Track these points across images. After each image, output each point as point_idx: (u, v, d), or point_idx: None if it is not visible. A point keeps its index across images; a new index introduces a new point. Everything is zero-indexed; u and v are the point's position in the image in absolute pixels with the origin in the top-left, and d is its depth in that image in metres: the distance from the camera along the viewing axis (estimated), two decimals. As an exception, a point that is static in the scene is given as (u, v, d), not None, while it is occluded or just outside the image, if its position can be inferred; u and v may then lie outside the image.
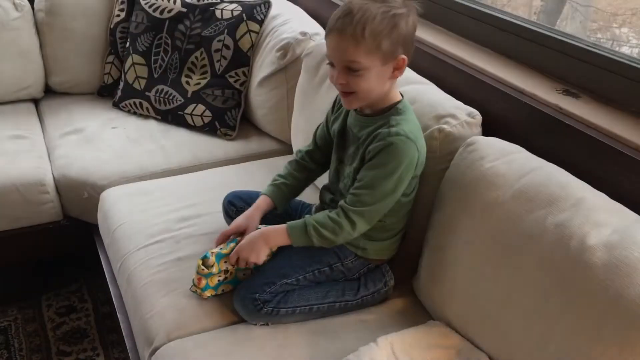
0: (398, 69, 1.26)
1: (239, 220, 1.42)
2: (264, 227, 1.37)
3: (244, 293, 1.33)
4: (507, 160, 1.28)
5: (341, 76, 1.25)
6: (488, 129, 1.46)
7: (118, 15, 2.40)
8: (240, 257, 1.34)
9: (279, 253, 1.40)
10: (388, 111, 1.31)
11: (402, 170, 1.27)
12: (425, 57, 1.74)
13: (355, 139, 1.36)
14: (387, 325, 1.37)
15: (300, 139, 1.90)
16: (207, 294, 1.39)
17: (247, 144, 2.17)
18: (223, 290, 1.41)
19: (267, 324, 1.34)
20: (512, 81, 1.51)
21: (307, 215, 1.34)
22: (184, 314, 1.40)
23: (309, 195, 1.60)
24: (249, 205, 1.50)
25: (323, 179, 1.55)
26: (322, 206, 1.48)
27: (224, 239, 1.42)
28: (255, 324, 1.35)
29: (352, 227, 1.29)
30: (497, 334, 1.18)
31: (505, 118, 1.48)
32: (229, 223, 1.52)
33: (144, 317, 1.42)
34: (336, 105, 1.47)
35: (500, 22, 1.65)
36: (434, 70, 1.69)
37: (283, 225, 1.33)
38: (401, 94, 1.36)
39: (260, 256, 1.34)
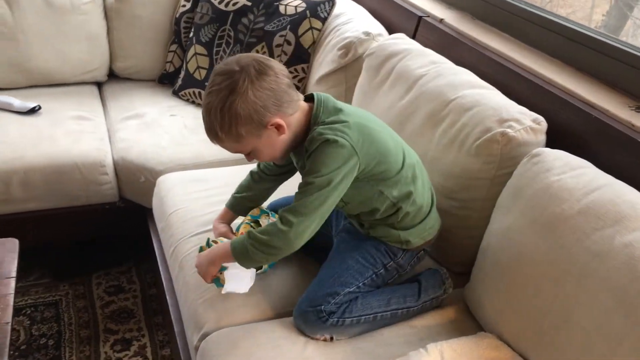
0: (280, 129, 1.24)
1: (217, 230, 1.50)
2: (212, 247, 1.38)
3: (305, 307, 1.32)
4: (574, 174, 1.24)
5: (247, 157, 1.32)
6: (552, 139, 1.43)
7: (184, 6, 2.44)
8: (201, 274, 1.36)
9: (331, 258, 1.40)
10: (308, 133, 1.29)
11: (335, 165, 1.21)
12: (490, 63, 1.72)
13: (300, 168, 1.37)
14: (435, 332, 1.36)
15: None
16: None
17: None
18: None
19: (332, 339, 1.32)
20: (581, 93, 1.47)
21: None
22: (234, 302, 1.41)
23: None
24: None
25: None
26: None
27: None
28: (318, 339, 1.32)
29: (288, 226, 1.22)
30: (554, 352, 1.15)
31: (572, 130, 1.44)
32: None
33: (195, 302, 1.44)
34: None
35: (570, 32, 1.61)
36: (498, 76, 1.66)
37: (227, 244, 1.31)
38: (313, 98, 1.30)
39: (208, 275, 1.34)
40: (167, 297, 1.69)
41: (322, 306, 1.31)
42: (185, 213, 1.72)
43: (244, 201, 1.53)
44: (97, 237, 2.15)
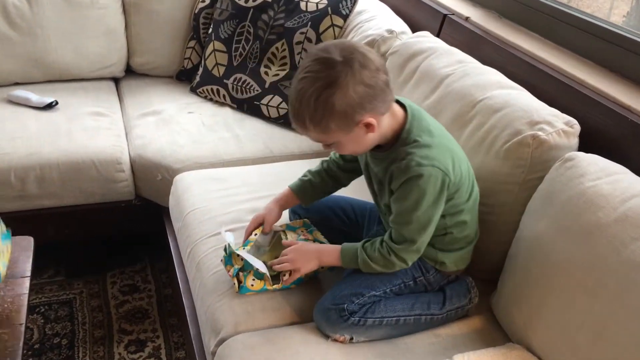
0: (370, 127, 1.19)
1: (258, 213, 1.46)
2: (321, 246, 1.38)
3: (328, 304, 1.29)
4: (610, 180, 1.19)
5: (324, 147, 1.27)
6: (584, 143, 1.37)
7: (203, 1, 2.40)
8: (288, 262, 1.33)
9: None
10: (396, 142, 1.25)
11: (431, 198, 1.21)
12: (518, 63, 1.66)
13: (375, 175, 1.33)
14: (460, 342, 1.32)
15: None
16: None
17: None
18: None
19: (352, 339, 1.29)
20: (615, 95, 1.41)
21: (360, 244, 1.31)
22: (252, 306, 1.37)
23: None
24: (313, 213, 1.52)
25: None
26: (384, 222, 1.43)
27: (247, 235, 1.45)
28: (337, 339, 1.29)
29: (405, 262, 1.28)
30: (588, 366, 1.10)
31: (605, 133, 1.38)
32: None
33: (212, 305, 1.40)
34: None
35: (601, 30, 1.55)
36: (527, 77, 1.61)
37: (337, 248, 1.33)
38: (404, 106, 1.27)
39: (307, 269, 1.34)
40: (183, 299, 1.65)
41: (345, 304, 1.27)
42: (202, 213, 1.68)
43: (310, 187, 1.48)
44: (112, 236, 2.12)
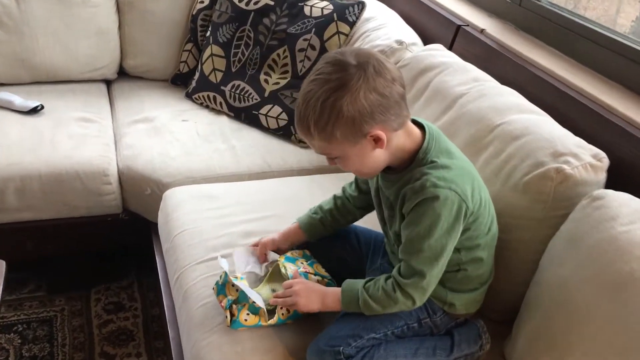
0: (379, 142, 1.08)
1: (265, 240, 1.37)
2: (327, 289, 1.25)
3: (322, 345, 1.17)
4: (645, 225, 1.06)
5: (329, 161, 1.16)
6: (613, 178, 1.25)
7: (202, 2, 2.27)
8: (292, 295, 1.22)
9: None
10: (410, 164, 1.14)
11: (445, 225, 1.09)
12: (539, 83, 1.54)
13: (386, 199, 1.21)
14: (472, 394, 1.19)
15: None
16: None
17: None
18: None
19: None
20: (648, 125, 1.29)
21: (361, 285, 1.19)
22: (242, 346, 1.24)
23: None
24: (318, 241, 1.40)
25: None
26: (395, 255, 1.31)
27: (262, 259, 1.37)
28: None
29: (411, 301, 1.15)
30: None
31: (637, 169, 1.26)
32: None
33: (199, 343, 1.28)
34: None
35: (629, 50, 1.43)
36: (548, 99, 1.48)
37: (338, 291, 1.21)
38: (422, 125, 1.16)
39: (307, 309, 1.23)
40: (169, 329, 1.53)
41: (341, 347, 1.15)
42: (192, 235, 1.55)
43: (321, 225, 1.37)
44: (97, 251, 1.99)
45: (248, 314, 1.25)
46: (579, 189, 1.21)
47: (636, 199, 1.13)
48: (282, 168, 1.92)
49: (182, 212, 1.65)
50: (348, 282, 1.21)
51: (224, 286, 1.30)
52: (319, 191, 1.77)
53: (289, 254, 1.36)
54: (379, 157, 1.12)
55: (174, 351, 1.47)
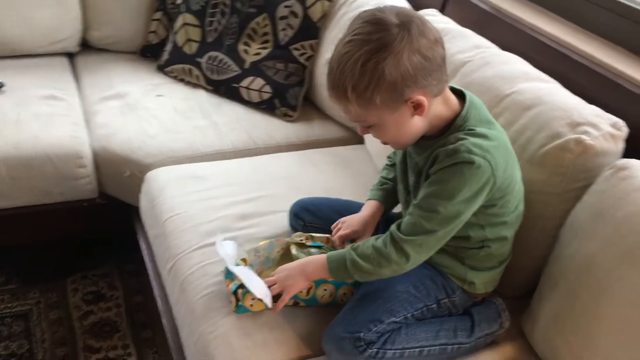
0: (418, 108, 1.02)
1: (355, 224, 1.25)
2: (305, 258, 1.18)
3: (340, 331, 1.10)
4: (676, 196, 1.03)
5: (362, 130, 1.10)
6: (629, 146, 1.20)
7: (170, -33, 2.12)
8: (279, 290, 1.15)
9: (380, 283, 1.16)
10: (446, 131, 1.08)
11: (469, 193, 1.03)
12: (542, 49, 1.48)
13: (414, 164, 1.14)
14: (494, 376, 1.15)
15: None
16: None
17: (309, 128, 1.91)
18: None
19: None
20: (663, 91, 1.25)
21: (349, 246, 1.12)
22: (253, 341, 1.17)
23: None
24: (320, 219, 1.35)
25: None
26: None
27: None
28: None
29: (405, 259, 1.07)
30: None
31: (655, 136, 1.22)
32: None
33: (204, 337, 1.20)
34: None
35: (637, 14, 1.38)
36: (556, 66, 1.43)
37: (323, 257, 1.14)
38: (462, 92, 1.11)
39: (296, 288, 1.16)
40: (164, 321, 1.43)
41: (362, 333, 1.09)
42: (184, 220, 1.45)
43: (393, 192, 1.29)
44: (73, 238, 1.86)
45: (253, 299, 1.18)
46: (599, 160, 1.17)
47: (661, 167, 1.10)
48: (268, 144, 1.82)
49: (168, 195, 1.54)
50: (332, 252, 1.15)
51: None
52: (311, 167, 1.69)
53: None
54: (417, 125, 1.05)
55: (172, 344, 1.37)
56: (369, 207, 1.28)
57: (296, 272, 1.15)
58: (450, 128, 1.07)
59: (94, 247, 1.99)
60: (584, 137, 1.16)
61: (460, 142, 1.03)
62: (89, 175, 1.73)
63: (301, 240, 1.24)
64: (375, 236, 1.12)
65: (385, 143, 1.12)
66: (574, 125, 1.19)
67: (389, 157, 1.36)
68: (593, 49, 1.41)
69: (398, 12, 0.99)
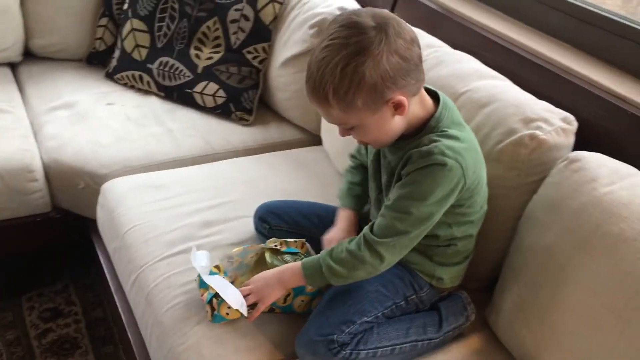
0: (399, 108, 1.04)
1: (336, 236, 1.24)
2: (280, 267, 1.18)
3: (313, 335, 1.11)
4: (626, 185, 1.08)
5: (343, 132, 1.10)
6: (579, 139, 1.26)
7: (114, -29, 2.07)
8: (252, 299, 1.15)
9: (349, 284, 1.17)
10: (421, 131, 1.10)
11: (441, 194, 1.06)
12: (494, 47, 1.52)
13: (387, 164, 1.17)
14: (463, 368, 1.19)
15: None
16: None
17: (266, 131, 1.91)
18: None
19: None
20: (607, 84, 1.31)
21: (323, 252, 1.14)
22: (224, 348, 1.16)
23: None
24: (286, 221, 1.35)
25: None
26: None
27: None
28: None
29: (379, 260, 1.09)
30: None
31: (602, 129, 1.28)
32: (262, 241, 1.30)
33: (175, 349, 1.18)
34: None
35: (586, 14, 1.44)
36: (506, 64, 1.47)
37: (298, 264, 1.15)
38: (436, 94, 1.14)
39: (273, 297, 1.16)
40: (130, 335, 1.40)
41: (335, 335, 1.10)
42: (146, 230, 1.43)
43: (363, 196, 1.31)
44: (26, 254, 1.79)
45: (229, 308, 1.17)
46: (552, 154, 1.21)
47: (611, 159, 1.15)
48: (225, 149, 1.81)
49: (128, 206, 1.51)
50: (306, 258, 1.16)
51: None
52: (270, 171, 1.69)
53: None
54: (397, 124, 1.07)
55: (139, 357, 1.35)
56: (346, 219, 1.28)
57: (273, 282, 1.15)
58: (424, 129, 1.09)
59: (48, 262, 1.92)
60: (537, 132, 1.21)
61: (433, 144, 1.05)
62: (41, 189, 1.67)
63: (275, 246, 1.24)
64: (349, 239, 1.13)
65: (365, 143, 1.13)
66: (528, 121, 1.23)
67: (353, 157, 1.37)
68: (541, 46, 1.47)
69: (374, 14, 1.00)
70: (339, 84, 0.98)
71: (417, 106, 1.08)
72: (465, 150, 1.07)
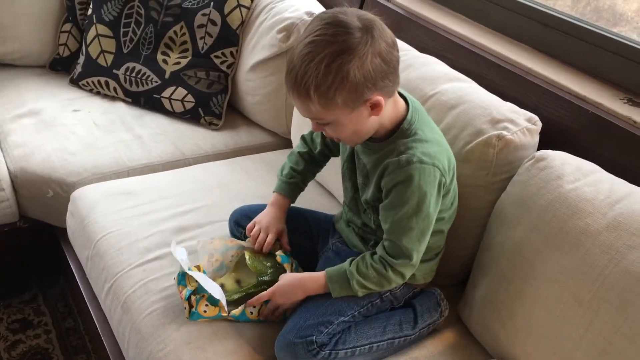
0: (375, 108, 1.07)
1: (274, 225, 1.28)
2: (301, 274, 1.22)
3: (292, 337, 1.12)
4: (589, 182, 1.13)
5: (317, 127, 1.12)
6: (543, 138, 1.31)
7: (77, -24, 2.04)
8: (271, 307, 1.20)
9: None
10: (392, 134, 1.14)
11: (432, 199, 1.11)
12: (458, 50, 1.57)
13: (362, 166, 1.20)
14: (440, 362, 1.22)
15: (308, 135, 1.68)
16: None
17: (236, 136, 1.91)
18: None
19: None
20: (568, 85, 1.37)
21: (349, 263, 1.17)
22: (204, 352, 1.17)
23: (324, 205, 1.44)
24: None
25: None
26: (351, 228, 1.31)
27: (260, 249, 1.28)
28: None
29: (401, 277, 1.17)
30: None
31: (565, 127, 1.33)
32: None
33: (154, 355, 1.18)
34: None
35: (544, 17, 1.49)
36: (470, 66, 1.52)
37: (321, 275, 1.18)
38: (405, 99, 1.17)
39: (290, 303, 1.20)
40: (105, 343, 1.39)
41: (314, 336, 1.12)
42: (119, 238, 1.42)
43: (301, 185, 1.36)
44: (-8, 265, 1.76)
45: (207, 305, 1.19)
46: (519, 153, 1.26)
47: (572, 156, 1.20)
48: (196, 154, 1.81)
49: (99, 214, 1.49)
50: (330, 269, 1.18)
51: (184, 276, 1.21)
52: (242, 174, 1.70)
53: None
54: (372, 124, 1.09)
55: (117, 366, 1.34)
56: (278, 204, 1.32)
57: (297, 289, 1.18)
58: (397, 132, 1.12)
59: (15, 272, 1.89)
60: (504, 132, 1.25)
61: (410, 153, 1.08)
62: (8, 198, 1.64)
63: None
64: (370, 253, 1.17)
65: (338, 140, 1.15)
66: (494, 122, 1.27)
67: (303, 141, 1.38)
68: (502, 47, 1.52)
69: (359, 15, 1.03)
70: (322, 79, 0.99)
71: (390, 107, 1.11)
72: (439, 153, 1.11)
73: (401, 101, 1.15)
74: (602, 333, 1.02)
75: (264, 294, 1.18)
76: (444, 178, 1.11)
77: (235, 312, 1.19)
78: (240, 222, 1.38)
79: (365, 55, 0.99)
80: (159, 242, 1.39)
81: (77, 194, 1.58)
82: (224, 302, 1.15)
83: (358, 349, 1.17)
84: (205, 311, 1.19)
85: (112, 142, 1.77)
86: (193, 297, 1.18)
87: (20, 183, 1.65)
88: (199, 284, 1.16)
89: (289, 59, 1.04)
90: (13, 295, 1.86)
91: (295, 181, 1.35)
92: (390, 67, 1.04)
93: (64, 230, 1.63)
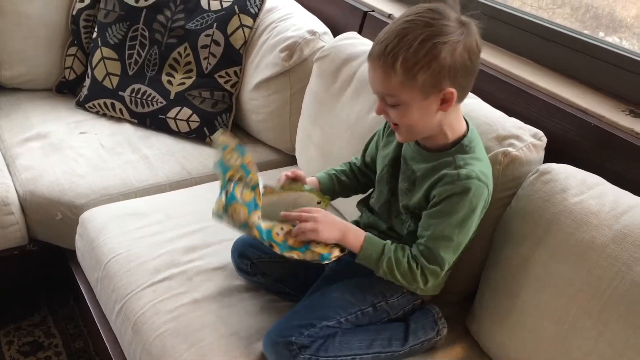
0: (445, 103, 1.08)
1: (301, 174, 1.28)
2: (348, 224, 1.18)
3: (275, 336, 1.14)
4: (594, 194, 1.14)
5: (380, 107, 1.12)
6: (546, 151, 1.32)
7: (82, 1, 2.07)
8: (311, 225, 1.12)
9: (315, 289, 1.23)
10: (452, 147, 1.15)
11: (476, 218, 1.14)
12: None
13: (410, 172, 1.20)
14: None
15: (313, 152, 1.70)
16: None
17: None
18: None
19: None
20: (570, 97, 1.38)
21: (390, 243, 1.16)
22: (216, 371, 1.17)
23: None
24: (265, 253, 1.31)
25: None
26: (371, 232, 1.29)
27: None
28: None
29: (424, 283, 1.16)
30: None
31: (568, 140, 1.34)
32: (246, 278, 1.36)
33: (166, 377, 1.19)
34: (387, 129, 1.29)
35: (545, 31, 1.51)
36: (476, 82, 1.52)
37: (362, 233, 1.17)
38: (466, 121, 1.19)
39: (327, 237, 1.13)
40: (117, 365, 1.40)
41: (293, 337, 1.12)
42: (129, 259, 1.43)
43: (335, 181, 1.34)
44: (3, 288, 1.77)
45: (244, 191, 1.16)
46: (524, 169, 1.26)
47: (576, 169, 1.21)
48: (202, 173, 1.83)
49: (108, 236, 1.51)
50: (371, 235, 1.17)
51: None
52: (249, 193, 1.71)
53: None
54: (435, 120, 1.10)
55: (130, 388, 1.35)
56: (315, 182, 1.32)
57: (338, 227, 1.14)
58: (457, 146, 1.14)
59: (25, 294, 1.90)
60: (510, 149, 1.25)
61: (470, 169, 1.10)
62: (17, 222, 1.66)
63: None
64: (408, 248, 1.16)
65: (395, 125, 1.13)
66: (500, 139, 1.28)
67: (354, 162, 1.38)
68: (503, 62, 1.53)
69: (458, 14, 1.07)
70: (412, 54, 1.01)
71: (454, 116, 1.13)
72: (491, 176, 1.15)
73: (463, 119, 1.17)
74: (611, 345, 1.03)
75: (307, 209, 1.15)
76: (488, 200, 1.14)
77: (263, 225, 1.13)
78: (244, 253, 1.33)
79: (458, 44, 1.03)
80: (168, 263, 1.41)
81: (85, 216, 1.60)
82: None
83: (340, 358, 1.16)
84: (242, 194, 1.14)
85: (119, 164, 1.79)
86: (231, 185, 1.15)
87: (29, 206, 1.67)
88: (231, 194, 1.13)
89: (381, 32, 1.06)
90: (23, 317, 1.87)
91: (332, 174, 1.35)
92: (472, 68, 1.08)
93: (73, 253, 1.65)
